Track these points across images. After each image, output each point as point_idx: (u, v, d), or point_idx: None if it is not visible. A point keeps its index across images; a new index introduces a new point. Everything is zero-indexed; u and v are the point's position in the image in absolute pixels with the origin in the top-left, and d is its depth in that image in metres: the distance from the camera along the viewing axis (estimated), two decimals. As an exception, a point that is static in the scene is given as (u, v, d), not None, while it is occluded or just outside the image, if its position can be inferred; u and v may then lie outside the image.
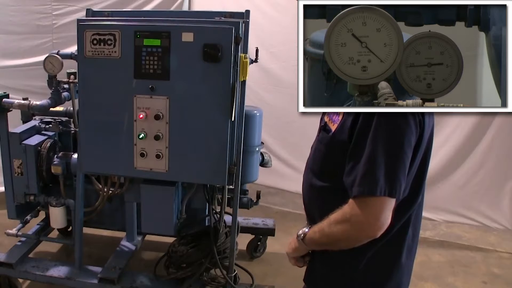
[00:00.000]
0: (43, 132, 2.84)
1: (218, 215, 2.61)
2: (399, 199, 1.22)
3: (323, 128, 1.40)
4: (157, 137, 2.23)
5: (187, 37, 2.08)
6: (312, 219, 1.44)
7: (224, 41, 2.07)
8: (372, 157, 1.19)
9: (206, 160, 2.27)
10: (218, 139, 2.22)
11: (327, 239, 1.31)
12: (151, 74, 2.17)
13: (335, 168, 1.30)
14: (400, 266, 1.39)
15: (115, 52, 2.19)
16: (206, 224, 2.76)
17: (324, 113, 1.43)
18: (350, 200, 1.23)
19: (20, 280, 2.81)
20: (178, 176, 2.36)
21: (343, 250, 1.32)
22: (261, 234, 3.23)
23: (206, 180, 2.43)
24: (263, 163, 2.80)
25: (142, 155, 2.27)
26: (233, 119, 2.18)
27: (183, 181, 2.52)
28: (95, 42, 2.19)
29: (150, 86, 2.18)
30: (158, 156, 2.26)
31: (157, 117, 2.20)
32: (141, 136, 2.23)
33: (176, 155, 2.27)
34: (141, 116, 2.21)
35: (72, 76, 2.61)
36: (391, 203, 1.20)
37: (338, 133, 1.30)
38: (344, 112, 1.31)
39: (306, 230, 1.39)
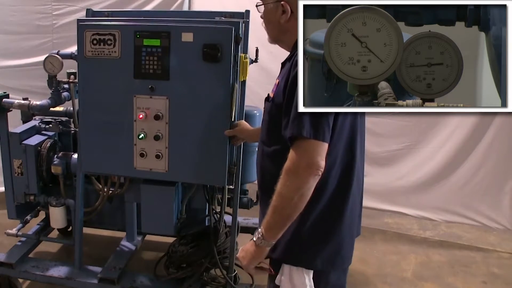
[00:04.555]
0: (43, 132, 2.84)
1: (218, 215, 2.61)
2: (327, 141, 1.33)
3: (266, 99, 1.55)
4: (156, 137, 2.21)
5: (187, 37, 2.07)
6: (264, 187, 1.55)
7: (224, 41, 2.05)
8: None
9: (205, 160, 2.25)
10: (217, 140, 2.20)
11: (282, 202, 1.36)
12: (151, 74, 2.16)
13: (277, 131, 1.42)
14: (342, 223, 1.50)
15: (115, 52, 2.18)
16: (206, 224, 2.76)
17: None
18: (288, 156, 1.35)
19: (20, 280, 2.80)
20: (178, 176, 2.34)
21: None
22: (261, 234, 3.22)
23: (206, 181, 2.42)
24: (263, 163, 2.80)
25: (141, 155, 2.26)
26: (233, 119, 2.17)
27: (183, 182, 2.51)
28: (95, 42, 2.19)
29: (149, 86, 2.17)
30: (157, 157, 2.25)
31: (156, 117, 2.19)
32: (140, 136, 2.22)
33: (176, 155, 2.25)
34: (140, 116, 2.20)
35: (72, 76, 2.61)
36: (321, 146, 1.32)
37: (276, 98, 1.46)
38: (279, 80, 1.47)
39: (259, 229, 1.44)
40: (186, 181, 2.48)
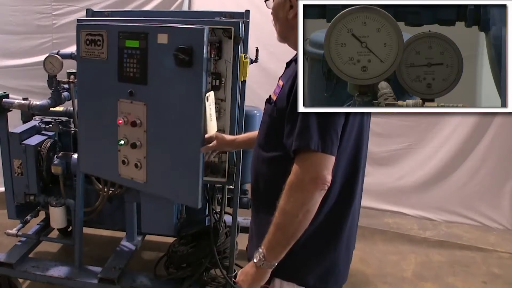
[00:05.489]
0: (43, 132, 2.84)
1: (218, 215, 2.61)
2: (334, 154, 1.29)
3: (268, 101, 1.49)
4: (133, 145, 2.02)
5: (162, 38, 1.88)
6: (257, 193, 1.51)
7: (196, 44, 1.80)
8: (305, 116, 1.26)
9: (179, 176, 1.99)
10: (190, 156, 1.91)
11: (285, 219, 1.29)
12: (131, 77, 1.99)
13: (278, 137, 1.37)
14: (340, 240, 1.44)
15: (102, 53, 2.06)
16: (206, 224, 2.76)
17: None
18: (292, 170, 1.29)
19: (20, 280, 2.81)
20: (155, 189, 2.11)
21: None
22: (261, 234, 3.22)
23: (180, 199, 2.20)
24: (263, 163, 2.80)
25: (123, 162, 2.09)
26: (205, 135, 1.87)
27: (161, 196, 2.23)
28: (87, 42, 2.10)
29: (129, 91, 1.99)
30: (136, 166, 2.06)
31: (133, 124, 2.00)
32: (120, 143, 2.05)
33: (154, 166, 2.03)
34: (120, 121, 2.03)
35: (72, 76, 2.61)
36: (329, 159, 1.27)
37: (279, 102, 1.39)
38: (283, 82, 1.40)
39: (260, 249, 1.35)
40: (163, 196, 2.22)
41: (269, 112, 1.46)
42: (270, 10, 1.53)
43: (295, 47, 1.46)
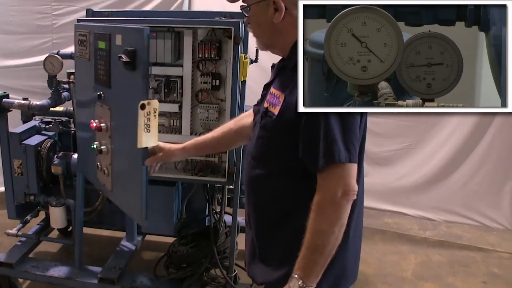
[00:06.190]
0: (43, 132, 2.84)
1: (218, 215, 2.61)
2: (357, 162, 1.27)
3: (265, 114, 1.40)
4: (99, 151, 1.91)
5: (118, 40, 1.78)
6: (259, 209, 1.46)
7: (139, 46, 1.65)
8: (328, 129, 1.23)
9: (129, 189, 1.85)
10: (135, 168, 1.74)
11: (323, 240, 1.25)
12: (101, 79, 1.90)
13: (280, 151, 1.33)
14: (347, 243, 1.40)
15: (87, 53, 2.01)
16: (206, 224, 2.76)
17: (261, 101, 1.46)
18: (318, 187, 1.26)
19: (20, 280, 2.81)
20: (117, 199, 2.01)
21: (292, 232, 1.30)
22: (261, 234, 3.22)
23: (131, 214, 2.06)
24: (263, 163, 2.80)
25: (97, 167, 2.00)
26: (140, 146, 1.60)
27: (120, 208, 2.08)
28: (79, 42, 2.07)
29: (98, 93, 1.90)
30: (104, 172, 1.95)
31: (98, 129, 1.89)
32: (92, 146, 1.93)
33: (118, 175, 1.90)
34: (91, 124, 1.92)
35: (72, 76, 2.60)
36: (354, 168, 1.26)
37: (284, 113, 1.32)
38: (285, 94, 1.33)
39: (295, 276, 1.27)
40: (121, 208, 2.08)
41: (270, 126, 1.37)
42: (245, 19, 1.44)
43: (281, 52, 1.42)
